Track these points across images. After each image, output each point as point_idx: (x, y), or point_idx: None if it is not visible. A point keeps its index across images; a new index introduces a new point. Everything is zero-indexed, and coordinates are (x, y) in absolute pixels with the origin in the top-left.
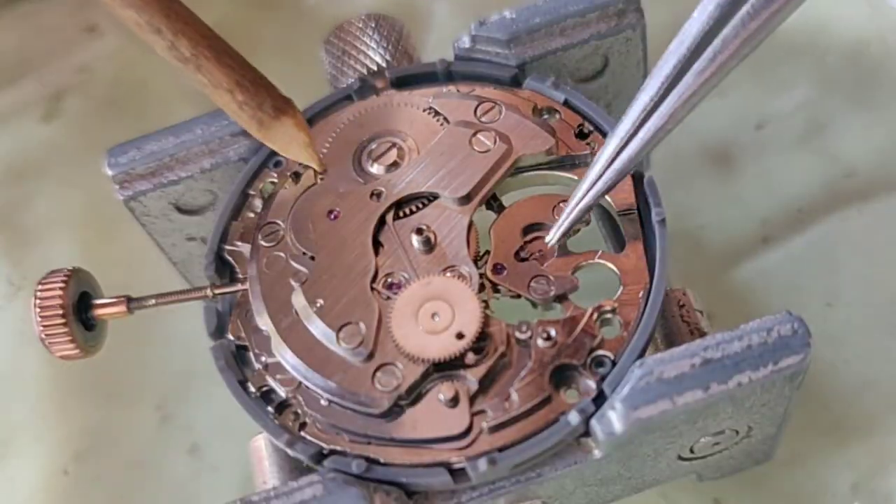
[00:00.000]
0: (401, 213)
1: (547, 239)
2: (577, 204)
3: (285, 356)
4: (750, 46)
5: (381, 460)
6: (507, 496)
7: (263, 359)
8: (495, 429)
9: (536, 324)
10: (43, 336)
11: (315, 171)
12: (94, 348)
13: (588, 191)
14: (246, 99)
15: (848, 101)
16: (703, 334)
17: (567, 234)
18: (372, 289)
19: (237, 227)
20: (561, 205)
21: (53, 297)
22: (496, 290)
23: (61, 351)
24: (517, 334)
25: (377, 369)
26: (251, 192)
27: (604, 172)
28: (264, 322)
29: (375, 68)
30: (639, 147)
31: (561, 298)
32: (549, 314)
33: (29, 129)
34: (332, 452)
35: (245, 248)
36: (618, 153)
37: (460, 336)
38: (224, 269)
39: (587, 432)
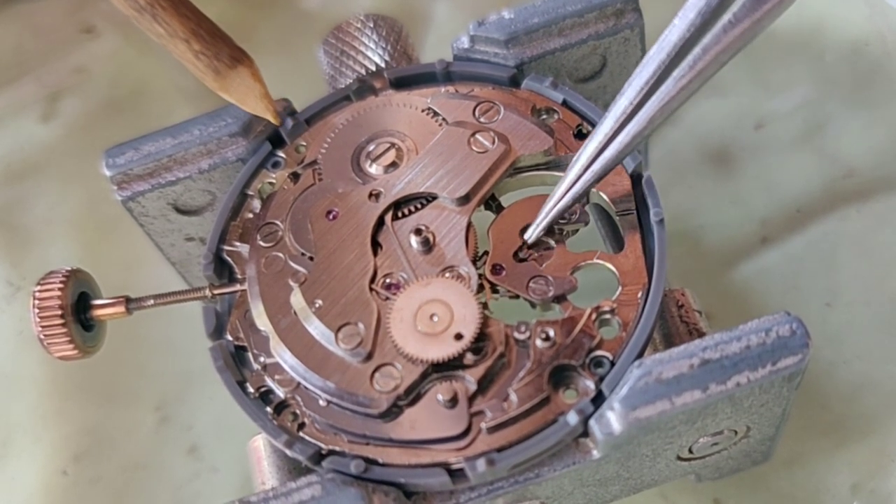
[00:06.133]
0: (399, 214)
1: (526, 236)
2: (555, 204)
3: (284, 357)
4: (728, 54)
5: (380, 461)
6: (506, 496)
7: (262, 359)
8: (494, 429)
9: (535, 324)
10: (42, 336)
11: (314, 171)
12: (92, 349)
13: (567, 192)
14: (202, 48)
15: (847, 101)
16: (701, 334)
17: (544, 232)
18: (371, 289)
19: (236, 227)
20: None
21: (52, 298)
22: (495, 291)
23: (60, 351)
24: (516, 335)
25: (376, 370)
26: (249, 193)
27: (582, 174)
28: (263, 322)
29: (374, 69)
30: (618, 150)
31: (560, 299)
32: (548, 315)
33: (27, 129)
34: (331, 453)
35: (244, 249)
36: (596, 156)
37: (459, 337)
38: (223, 269)
39: (586, 433)
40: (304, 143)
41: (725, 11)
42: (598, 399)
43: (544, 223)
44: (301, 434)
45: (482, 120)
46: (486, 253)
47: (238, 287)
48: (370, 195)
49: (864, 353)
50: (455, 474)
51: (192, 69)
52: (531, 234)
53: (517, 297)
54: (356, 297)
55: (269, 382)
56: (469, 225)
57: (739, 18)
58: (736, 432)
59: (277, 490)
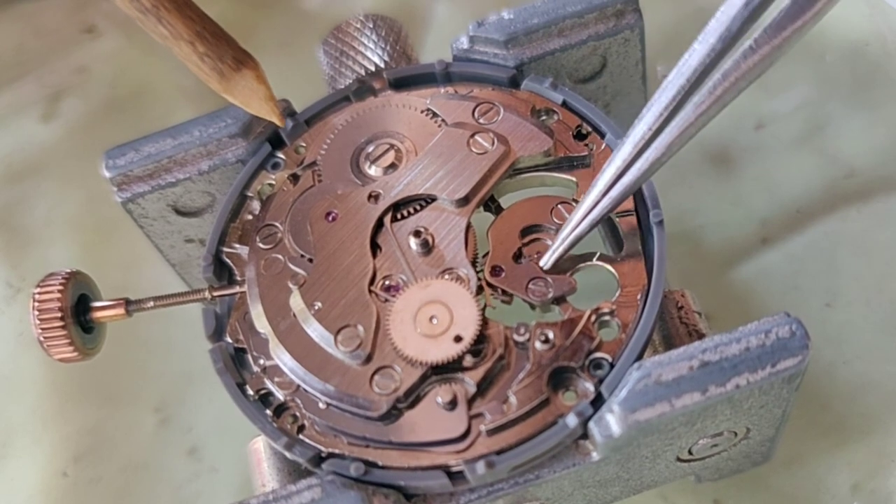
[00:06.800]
0: (399, 216)
1: (542, 262)
2: (571, 230)
3: (283, 359)
4: (748, 80)
5: (380, 463)
6: (506, 498)
7: (262, 361)
8: (493, 431)
9: (534, 326)
10: (41, 339)
11: (313, 172)
12: (92, 351)
13: (584, 218)
14: (207, 50)
15: (847, 102)
16: (701, 336)
17: (561, 258)
18: (370, 291)
19: (235, 229)
20: (559, 206)
21: (52, 300)
22: (497, 292)
23: (60, 353)
24: (515, 337)
25: (375, 372)
26: (249, 194)
27: (600, 200)
28: (262, 325)
29: (373, 69)
30: (635, 177)
31: (559, 300)
32: (547, 316)
33: (28, 129)
34: (331, 455)
35: (243, 251)
36: (614, 182)
37: (458, 339)
38: (222, 271)
39: (585, 434)
40: (304, 145)
41: (746, 37)
42: (598, 401)
43: (561, 249)
44: (301, 436)
45: (481, 121)
46: (485, 254)
47: (237, 289)
48: (369, 197)
49: (864, 353)
50: (455, 476)
51: (197, 71)
52: (547, 261)
53: (511, 298)
54: (355, 298)
55: (269, 385)
56: (468, 226)
57: (760, 44)
58: (736, 434)
59: (277, 492)
